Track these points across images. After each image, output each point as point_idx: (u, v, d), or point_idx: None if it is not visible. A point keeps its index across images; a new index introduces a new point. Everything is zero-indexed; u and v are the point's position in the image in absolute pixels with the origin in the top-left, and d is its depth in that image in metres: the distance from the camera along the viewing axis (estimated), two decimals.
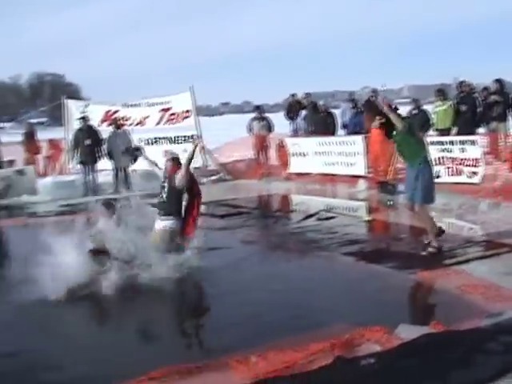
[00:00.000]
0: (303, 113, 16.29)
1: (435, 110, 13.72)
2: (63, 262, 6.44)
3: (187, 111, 17.18)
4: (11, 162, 17.91)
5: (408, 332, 4.85)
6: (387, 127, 7.91)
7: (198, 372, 4.40)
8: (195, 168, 16.28)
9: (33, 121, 32.15)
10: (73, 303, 6.20)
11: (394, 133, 7.74)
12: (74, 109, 17.95)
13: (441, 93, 13.74)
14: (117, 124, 15.79)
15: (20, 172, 16.00)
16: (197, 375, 4.37)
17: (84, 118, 15.53)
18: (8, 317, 5.99)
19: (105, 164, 15.66)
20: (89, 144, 15.02)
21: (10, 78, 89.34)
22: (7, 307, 6.22)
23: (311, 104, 16.29)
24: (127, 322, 5.81)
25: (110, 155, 15.20)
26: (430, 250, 7.50)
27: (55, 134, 23.65)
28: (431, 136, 13.04)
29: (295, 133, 16.58)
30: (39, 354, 5.04)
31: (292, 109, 16.85)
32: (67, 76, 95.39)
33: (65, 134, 17.59)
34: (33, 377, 4.64)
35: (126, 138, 15.42)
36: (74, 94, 63.61)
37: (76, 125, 16.31)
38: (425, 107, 14.23)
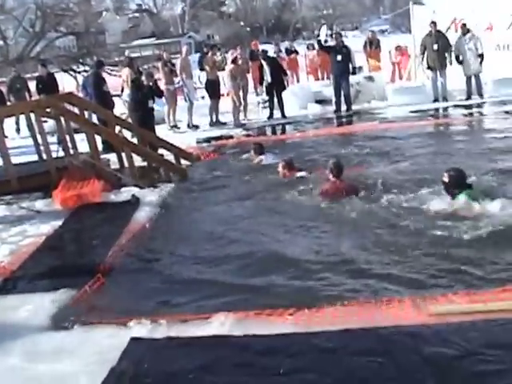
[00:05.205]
0: None
1: None
2: None
3: None
4: (359, 69, 18.84)
5: None
6: None
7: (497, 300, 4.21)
8: None
9: (375, 29, 32.86)
10: None
11: None
12: (420, 15, 17.97)
13: None
14: (464, 29, 15.46)
15: (369, 78, 16.87)
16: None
17: (433, 23, 15.45)
18: None
19: (453, 69, 15.54)
20: (436, 49, 15.02)
21: None
22: None
23: None
24: None
25: (458, 60, 15.09)
26: None
27: (398, 41, 24.02)
28: None
29: None
30: None
31: None
32: None
33: (412, 40, 17.79)
34: None
35: (475, 42, 15.11)
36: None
37: (424, 30, 16.40)
38: None
